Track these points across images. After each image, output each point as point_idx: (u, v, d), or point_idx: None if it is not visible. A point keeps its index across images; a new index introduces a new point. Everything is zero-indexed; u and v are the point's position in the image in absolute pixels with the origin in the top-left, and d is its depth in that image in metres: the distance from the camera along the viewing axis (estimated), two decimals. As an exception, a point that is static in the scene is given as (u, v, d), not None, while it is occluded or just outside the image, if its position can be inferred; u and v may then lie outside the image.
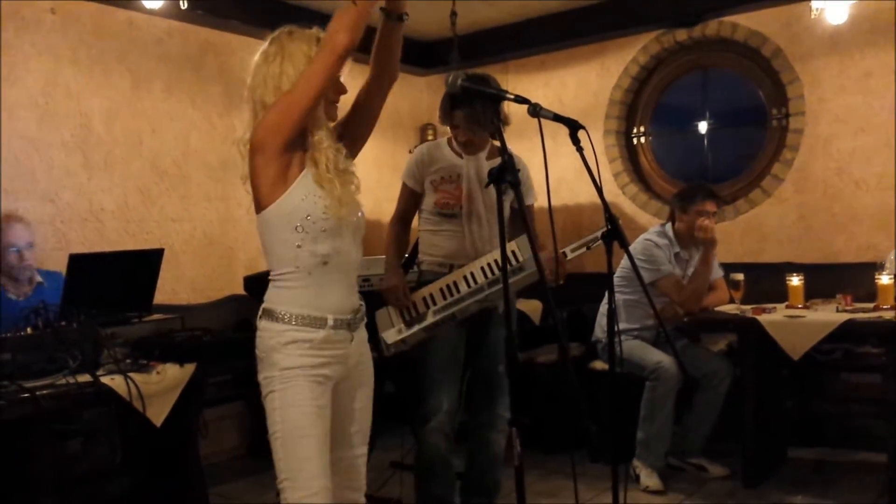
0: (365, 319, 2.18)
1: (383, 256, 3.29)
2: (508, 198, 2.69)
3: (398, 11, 2.10)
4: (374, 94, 2.19)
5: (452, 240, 3.18)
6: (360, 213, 2.11)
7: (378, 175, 5.63)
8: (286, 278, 2.01)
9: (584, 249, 3.07)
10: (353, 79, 2.12)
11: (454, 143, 3.21)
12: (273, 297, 2.03)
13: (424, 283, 3.19)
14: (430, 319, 3.02)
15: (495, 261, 3.03)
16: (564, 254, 3.01)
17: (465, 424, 3.27)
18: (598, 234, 2.93)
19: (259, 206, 2.01)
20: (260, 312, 2.05)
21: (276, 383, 1.99)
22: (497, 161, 2.91)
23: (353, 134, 2.20)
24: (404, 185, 3.28)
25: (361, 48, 2.01)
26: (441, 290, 3.10)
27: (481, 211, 3.17)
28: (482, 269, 3.08)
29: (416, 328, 3.01)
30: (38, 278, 3.59)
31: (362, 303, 2.16)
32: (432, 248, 3.24)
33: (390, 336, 3.02)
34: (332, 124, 2.12)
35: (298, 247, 1.98)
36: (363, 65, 2.17)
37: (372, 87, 2.18)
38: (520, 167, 3.13)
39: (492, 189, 2.26)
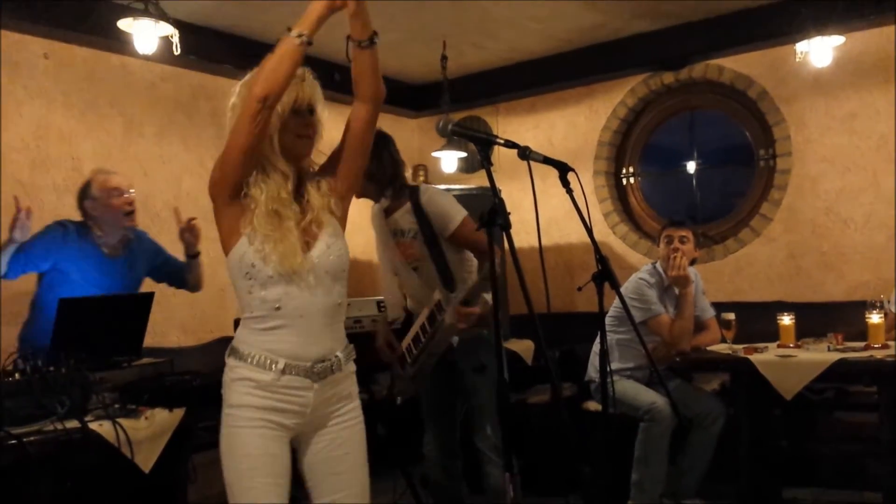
0: (344, 370, 2.06)
1: (373, 298, 3.29)
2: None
3: (364, 38, 1.98)
4: (361, 118, 2.09)
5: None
6: (332, 257, 2.01)
7: (369, 215, 5.62)
8: (246, 319, 2.01)
9: None
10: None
11: None
12: (238, 335, 2.04)
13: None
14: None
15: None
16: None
17: None
18: None
19: (224, 252, 2.02)
20: (228, 350, 2.04)
21: (225, 421, 1.99)
22: None
23: (346, 167, 2.12)
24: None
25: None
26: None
27: None
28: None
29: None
30: (131, 235, 3.48)
31: (339, 352, 2.04)
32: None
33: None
34: (308, 160, 2.08)
35: (249, 293, 1.97)
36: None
37: (359, 111, 2.09)
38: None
39: None
